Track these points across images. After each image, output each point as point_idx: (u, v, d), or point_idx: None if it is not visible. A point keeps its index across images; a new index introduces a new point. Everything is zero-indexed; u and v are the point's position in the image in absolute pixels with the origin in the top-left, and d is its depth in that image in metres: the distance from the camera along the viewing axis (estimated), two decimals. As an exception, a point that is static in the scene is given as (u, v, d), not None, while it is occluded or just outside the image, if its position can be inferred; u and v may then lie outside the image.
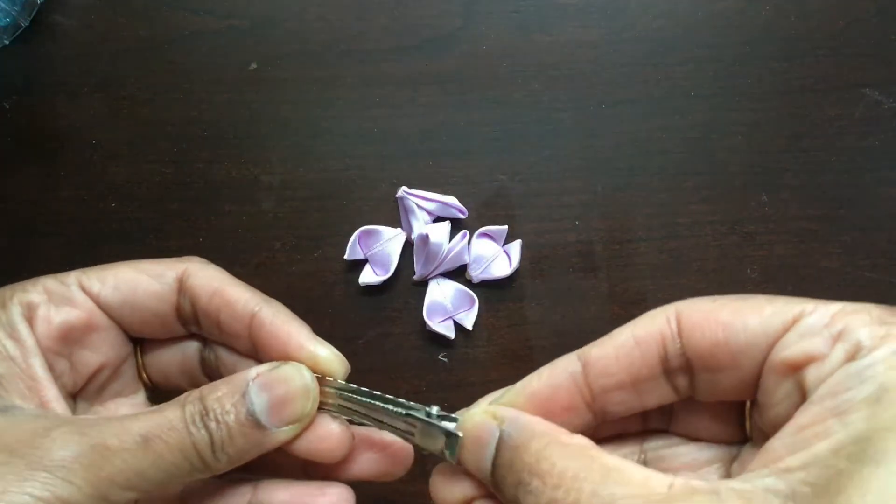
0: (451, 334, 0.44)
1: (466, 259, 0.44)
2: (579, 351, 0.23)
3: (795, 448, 0.18)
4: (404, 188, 0.44)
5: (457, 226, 0.45)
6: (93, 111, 0.46)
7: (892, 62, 0.46)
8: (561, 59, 0.46)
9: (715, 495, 0.17)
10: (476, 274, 0.44)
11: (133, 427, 0.22)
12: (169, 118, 0.46)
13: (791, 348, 0.20)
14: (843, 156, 0.45)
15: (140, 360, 0.28)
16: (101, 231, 0.45)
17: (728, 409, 0.24)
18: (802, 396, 0.19)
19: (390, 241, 0.44)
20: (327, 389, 0.25)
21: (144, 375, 0.28)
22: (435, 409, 0.24)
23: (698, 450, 0.24)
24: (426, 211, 0.45)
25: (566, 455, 0.19)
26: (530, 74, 0.46)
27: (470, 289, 0.44)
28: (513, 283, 0.45)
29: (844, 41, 0.46)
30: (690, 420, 0.24)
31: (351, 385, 0.25)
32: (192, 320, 0.26)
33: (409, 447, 0.27)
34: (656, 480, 0.18)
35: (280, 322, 0.25)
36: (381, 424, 0.25)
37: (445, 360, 0.44)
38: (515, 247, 0.44)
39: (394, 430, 0.25)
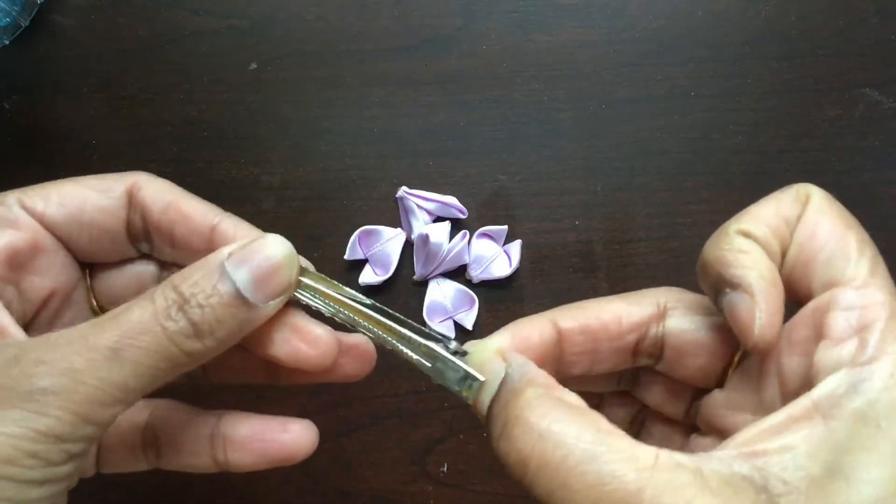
0: (452, 334, 0.44)
1: (466, 259, 0.44)
2: (552, 315, 0.23)
3: (780, 432, 0.18)
4: (404, 188, 0.44)
5: (457, 226, 0.45)
6: (93, 111, 0.46)
7: (892, 62, 0.46)
8: (561, 59, 0.46)
9: (698, 474, 0.17)
10: (476, 274, 0.44)
11: (99, 341, 0.20)
12: (169, 118, 0.46)
13: (824, 314, 0.20)
14: (843, 156, 0.45)
15: (90, 286, 0.26)
16: (101, 231, 0.45)
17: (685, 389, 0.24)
18: (808, 374, 0.20)
19: (390, 241, 0.44)
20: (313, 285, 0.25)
21: (94, 303, 0.26)
22: (453, 345, 0.24)
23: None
24: (426, 211, 0.45)
25: (560, 412, 0.19)
26: (530, 74, 0.46)
27: (470, 289, 0.44)
28: (513, 283, 0.45)
29: (844, 41, 0.46)
30: (651, 390, 0.25)
31: (347, 289, 0.25)
32: (143, 237, 0.25)
33: (372, 348, 0.26)
34: (643, 450, 0.18)
35: (244, 232, 0.25)
36: (374, 336, 0.25)
37: (445, 360, 0.44)
38: (515, 247, 0.44)
39: (401, 352, 0.25)
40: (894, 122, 0.45)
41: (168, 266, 0.27)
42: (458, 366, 0.23)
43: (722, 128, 0.45)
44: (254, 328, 0.23)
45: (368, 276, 0.44)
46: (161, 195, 0.25)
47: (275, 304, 0.23)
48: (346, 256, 0.44)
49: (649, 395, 0.25)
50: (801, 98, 0.46)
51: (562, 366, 0.23)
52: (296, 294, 0.25)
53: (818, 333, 0.20)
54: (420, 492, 0.44)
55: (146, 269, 0.27)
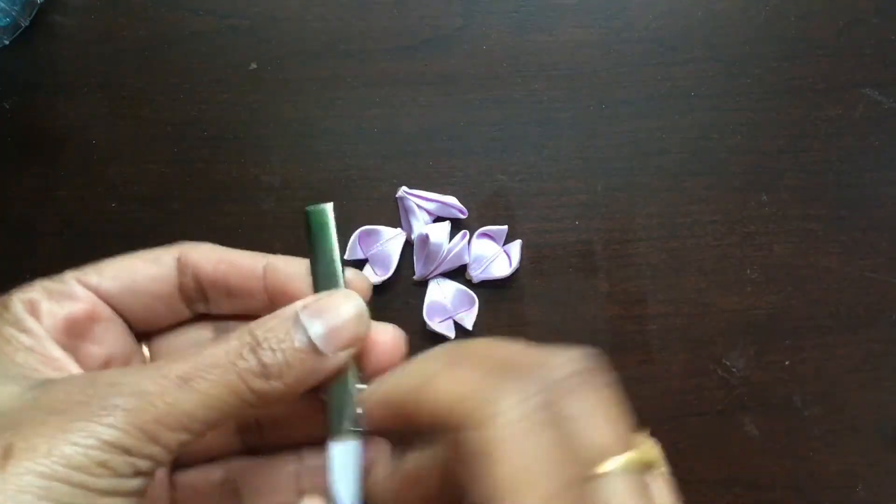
0: (452, 334, 0.44)
1: (466, 259, 0.44)
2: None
3: None
4: (404, 188, 0.44)
5: (457, 226, 0.45)
6: (93, 111, 0.46)
7: (892, 62, 0.46)
8: (561, 59, 0.46)
9: None
10: (476, 274, 0.44)
11: (171, 370, 0.22)
12: (169, 118, 0.46)
13: None
14: (843, 156, 0.45)
15: (148, 356, 0.27)
16: (101, 231, 0.45)
17: None
18: None
19: (390, 241, 0.44)
20: None
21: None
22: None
23: None
24: (426, 211, 0.45)
25: None
26: (530, 74, 0.46)
27: (470, 289, 0.44)
28: (513, 283, 0.45)
29: (844, 41, 0.46)
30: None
31: None
32: (197, 297, 0.26)
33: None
34: None
35: (296, 265, 0.26)
36: None
37: (445, 360, 0.44)
38: (515, 247, 0.44)
39: None
40: (894, 122, 0.45)
41: (224, 325, 0.28)
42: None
43: (722, 128, 0.45)
44: (321, 378, 0.24)
45: (368, 276, 0.44)
46: (209, 253, 0.26)
47: (343, 356, 0.24)
48: (346, 256, 0.44)
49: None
50: (801, 98, 0.46)
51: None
52: None
53: None
54: (420, 492, 0.44)
55: (202, 333, 0.28)
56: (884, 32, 0.46)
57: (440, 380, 0.21)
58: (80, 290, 0.25)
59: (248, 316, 0.26)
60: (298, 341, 0.23)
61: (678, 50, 0.46)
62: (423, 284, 0.45)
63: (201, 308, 0.27)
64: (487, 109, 0.46)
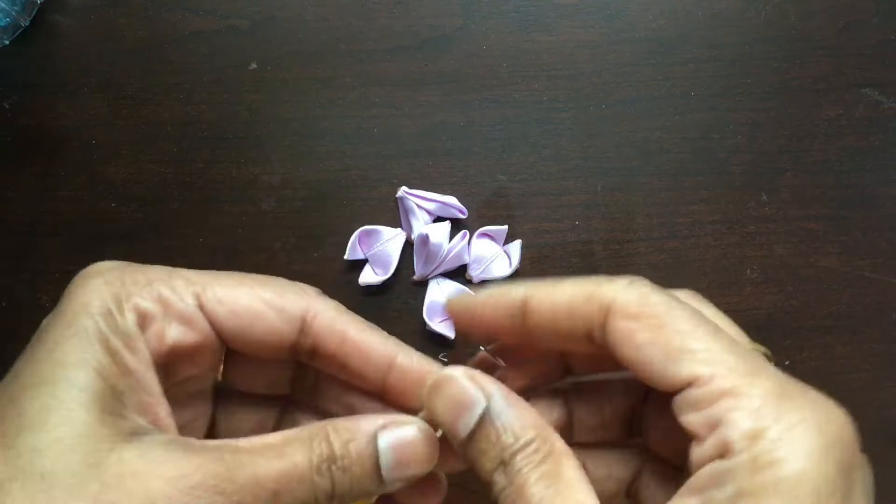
0: (452, 334, 0.44)
1: (466, 259, 0.44)
2: (526, 290, 0.24)
3: None
4: (404, 188, 0.44)
5: (457, 226, 0.45)
6: (93, 111, 0.46)
7: (892, 62, 0.46)
8: (561, 59, 0.46)
9: None
10: (476, 274, 0.44)
11: (265, 478, 0.20)
12: (169, 118, 0.46)
13: (682, 416, 0.20)
14: (843, 156, 0.45)
15: (223, 364, 0.26)
16: (101, 231, 0.45)
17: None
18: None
19: (390, 241, 0.44)
20: None
21: (220, 376, 0.26)
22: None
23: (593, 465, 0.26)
24: (426, 211, 0.45)
25: (545, 473, 0.20)
26: (530, 74, 0.46)
27: (470, 289, 0.44)
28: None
29: (844, 41, 0.46)
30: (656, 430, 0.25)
31: None
32: (307, 356, 0.25)
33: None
34: None
35: (426, 366, 0.24)
36: None
37: (445, 360, 0.44)
38: (515, 247, 0.44)
39: None
40: (894, 122, 0.45)
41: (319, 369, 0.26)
42: None
43: (722, 128, 0.45)
44: (372, 497, 0.23)
45: (368, 276, 0.44)
46: (336, 326, 0.24)
47: (401, 485, 0.23)
48: (346, 256, 0.44)
49: (655, 437, 0.25)
50: (801, 98, 0.46)
51: (527, 338, 0.24)
52: None
53: (683, 433, 0.20)
54: (420, 492, 0.44)
55: (267, 416, 0.27)
56: (884, 32, 0.46)
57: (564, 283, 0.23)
58: (198, 317, 0.23)
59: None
60: (369, 466, 0.22)
61: (678, 50, 0.46)
62: (423, 284, 0.45)
63: (304, 360, 0.25)
64: (487, 109, 0.46)
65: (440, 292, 0.44)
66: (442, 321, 0.44)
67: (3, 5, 0.44)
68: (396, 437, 0.22)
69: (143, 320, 0.22)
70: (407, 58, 0.46)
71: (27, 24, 0.46)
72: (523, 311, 0.23)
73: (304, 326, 0.24)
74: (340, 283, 0.45)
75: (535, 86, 0.46)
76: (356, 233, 0.44)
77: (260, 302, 0.24)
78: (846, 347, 0.44)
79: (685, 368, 0.20)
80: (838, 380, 0.44)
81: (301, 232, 0.45)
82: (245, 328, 0.23)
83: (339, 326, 0.24)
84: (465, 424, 0.22)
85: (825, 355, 0.44)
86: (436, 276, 0.44)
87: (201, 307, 0.23)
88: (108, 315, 0.21)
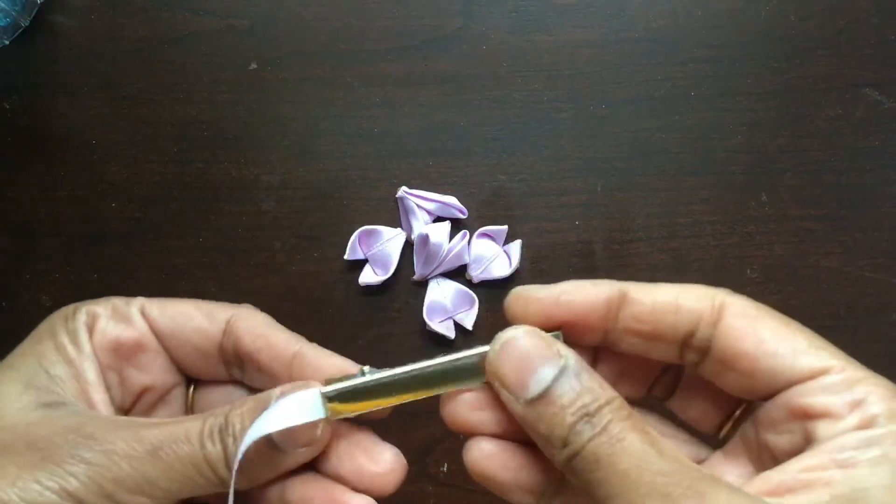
0: (451, 334, 0.44)
1: (466, 259, 0.44)
2: (621, 285, 0.24)
3: (797, 487, 0.20)
4: (404, 188, 0.44)
5: (457, 226, 0.45)
6: (93, 111, 0.46)
7: (892, 62, 0.46)
8: (561, 59, 0.46)
9: (748, 497, 0.20)
10: (476, 274, 0.44)
11: (147, 435, 0.22)
12: (169, 118, 0.46)
13: (812, 398, 0.22)
14: (843, 156, 0.45)
15: (190, 397, 0.28)
16: (101, 231, 0.45)
17: (721, 400, 0.25)
18: (806, 440, 0.22)
19: (390, 241, 0.44)
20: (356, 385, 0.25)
21: (188, 410, 0.29)
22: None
23: (676, 442, 0.26)
24: (426, 211, 0.45)
25: (635, 426, 0.21)
26: (530, 74, 0.46)
27: (470, 289, 0.44)
28: (513, 283, 0.45)
29: (844, 41, 0.46)
30: (688, 394, 0.26)
31: (372, 376, 0.25)
32: (234, 362, 0.27)
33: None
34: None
35: (326, 359, 0.26)
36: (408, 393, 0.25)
37: (445, 360, 0.44)
38: (515, 247, 0.44)
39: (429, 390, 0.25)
40: (894, 122, 0.45)
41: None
42: (474, 357, 0.23)
43: (722, 128, 0.45)
44: (283, 471, 0.24)
45: (368, 276, 0.44)
46: (254, 328, 0.26)
47: (304, 452, 0.24)
48: (346, 256, 0.44)
49: (685, 405, 0.26)
50: (801, 98, 0.46)
51: (610, 337, 0.24)
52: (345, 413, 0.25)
53: (808, 415, 0.22)
54: (420, 492, 0.44)
55: (240, 393, 0.28)
56: (884, 32, 0.46)
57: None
58: (138, 318, 0.26)
59: None
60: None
61: (678, 50, 0.46)
62: (423, 284, 0.45)
63: (237, 374, 0.27)
64: (487, 109, 0.46)
65: (440, 292, 0.44)
66: (442, 321, 0.44)
67: (3, 5, 0.44)
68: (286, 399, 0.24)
69: (92, 320, 0.26)
70: (407, 58, 0.46)
71: (27, 24, 0.46)
72: (619, 305, 0.23)
73: (227, 328, 0.26)
74: (340, 283, 0.45)
75: (535, 86, 0.46)
76: (356, 233, 0.44)
77: (192, 307, 0.27)
78: (846, 347, 0.44)
79: (817, 360, 0.23)
80: (838, 380, 0.44)
81: (301, 232, 0.45)
82: (178, 327, 0.27)
83: (257, 326, 0.26)
84: (540, 381, 0.22)
85: (825, 355, 0.44)
86: (436, 276, 0.44)
87: (143, 312, 0.27)
88: (63, 320, 0.25)
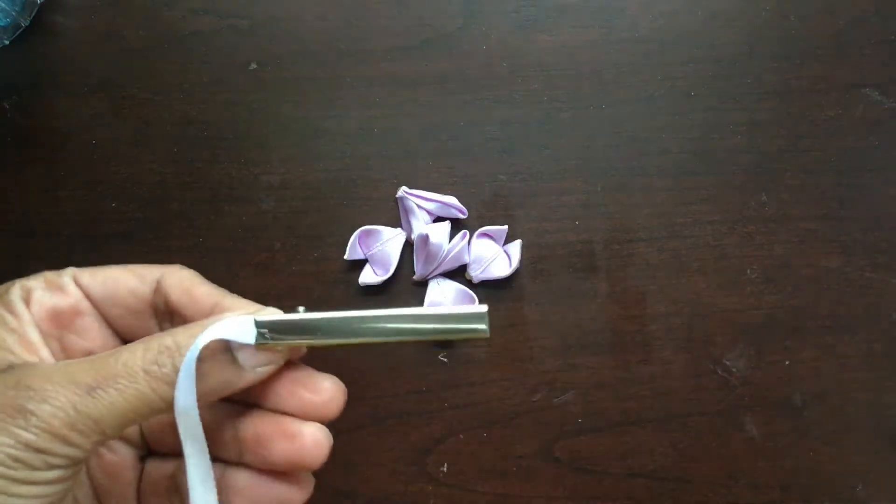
0: (451, 334, 0.44)
1: (466, 259, 0.44)
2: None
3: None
4: (404, 188, 0.44)
5: (457, 226, 0.45)
6: (93, 111, 0.46)
7: (892, 62, 0.46)
8: (561, 59, 0.46)
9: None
10: (476, 274, 0.44)
11: (83, 377, 0.23)
12: (169, 118, 0.46)
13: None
14: (843, 156, 0.45)
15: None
16: (101, 231, 0.45)
17: None
18: None
19: (390, 241, 0.44)
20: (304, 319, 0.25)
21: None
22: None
23: None
24: (426, 211, 0.45)
25: None
26: (530, 74, 0.46)
27: (470, 289, 0.44)
28: (513, 283, 0.45)
29: (844, 41, 0.46)
30: None
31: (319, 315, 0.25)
32: (167, 319, 0.28)
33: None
34: None
35: (242, 304, 0.27)
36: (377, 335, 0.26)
37: (445, 360, 0.44)
38: (515, 247, 0.44)
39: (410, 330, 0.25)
40: (894, 122, 0.45)
41: None
42: (460, 316, 0.25)
43: (722, 128, 0.45)
44: (236, 390, 0.25)
45: (368, 276, 0.44)
46: (181, 282, 0.28)
47: (262, 371, 0.25)
48: (346, 256, 0.44)
49: None
50: (801, 98, 0.46)
51: None
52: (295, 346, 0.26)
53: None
54: (420, 492, 0.44)
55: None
56: (884, 32, 0.46)
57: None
58: (71, 286, 0.28)
59: None
60: (217, 349, 0.24)
61: (678, 50, 0.46)
62: (423, 284, 0.45)
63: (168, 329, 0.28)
64: (487, 109, 0.46)
65: (440, 292, 0.44)
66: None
67: (3, 5, 0.44)
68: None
69: (26, 293, 0.27)
70: (407, 58, 0.46)
71: (27, 24, 0.46)
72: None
73: (158, 286, 0.28)
74: (340, 283, 0.45)
75: (535, 86, 0.46)
76: (356, 233, 0.44)
77: (122, 271, 0.28)
78: (846, 347, 0.44)
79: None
80: (838, 380, 0.44)
81: (301, 232, 0.45)
82: (110, 291, 0.28)
83: (182, 282, 0.28)
84: None
85: (825, 355, 0.44)
86: (436, 276, 0.44)
87: (75, 281, 0.28)
88: (1, 295, 0.26)
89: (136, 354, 0.24)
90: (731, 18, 0.46)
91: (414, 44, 0.46)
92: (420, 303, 0.44)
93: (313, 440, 0.26)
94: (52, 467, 0.23)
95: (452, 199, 0.44)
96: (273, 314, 0.26)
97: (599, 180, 0.45)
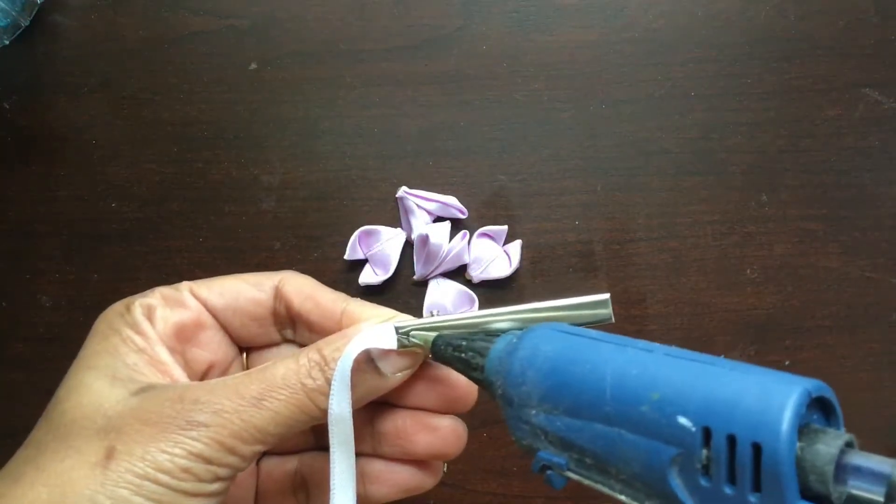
0: (451, 334, 0.44)
1: (466, 259, 0.44)
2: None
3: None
4: (404, 188, 0.44)
5: (457, 226, 0.45)
6: (93, 111, 0.46)
7: (892, 62, 0.46)
8: (561, 59, 0.46)
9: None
10: (476, 274, 0.44)
11: (247, 390, 0.24)
12: (169, 118, 0.46)
13: None
14: (843, 156, 0.45)
15: (245, 364, 0.31)
16: (101, 231, 0.45)
17: None
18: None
19: (390, 241, 0.44)
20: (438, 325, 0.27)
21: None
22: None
23: None
24: (426, 211, 0.45)
25: None
26: (530, 74, 0.46)
27: (470, 289, 0.44)
28: (513, 283, 0.45)
29: (844, 41, 0.46)
30: None
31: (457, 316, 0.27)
32: (287, 324, 0.29)
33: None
34: None
35: (370, 311, 0.28)
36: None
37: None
38: (515, 247, 0.44)
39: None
40: (894, 122, 0.45)
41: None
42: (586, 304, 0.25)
43: (722, 128, 0.45)
44: (381, 394, 0.27)
45: (368, 276, 0.44)
46: (302, 288, 0.29)
47: (401, 376, 0.27)
48: (346, 256, 0.44)
49: None
50: (801, 98, 0.46)
51: None
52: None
53: None
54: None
55: (291, 351, 0.31)
56: (884, 32, 0.46)
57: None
58: (191, 300, 0.28)
59: None
60: (362, 360, 0.25)
61: (678, 50, 0.46)
62: (423, 284, 0.45)
63: (290, 335, 0.30)
64: (487, 109, 0.46)
65: (440, 292, 0.44)
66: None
67: (3, 5, 0.44)
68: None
69: (149, 311, 0.27)
70: (407, 58, 0.46)
71: (27, 24, 0.46)
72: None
73: (277, 293, 0.29)
74: (340, 283, 0.45)
75: (535, 86, 0.46)
76: (356, 233, 0.44)
77: (240, 281, 0.29)
78: (846, 347, 0.44)
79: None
80: (838, 380, 0.44)
81: (301, 232, 0.45)
82: (230, 302, 0.29)
83: (303, 288, 0.29)
84: None
85: (825, 355, 0.44)
86: (436, 276, 0.44)
87: (193, 294, 0.28)
88: (120, 316, 0.27)
89: (291, 368, 0.25)
90: (731, 18, 0.46)
91: (414, 44, 0.46)
92: (420, 303, 0.44)
93: (454, 431, 0.28)
94: (216, 479, 0.24)
95: (452, 199, 0.44)
96: (407, 319, 0.27)
97: (599, 180, 0.45)
